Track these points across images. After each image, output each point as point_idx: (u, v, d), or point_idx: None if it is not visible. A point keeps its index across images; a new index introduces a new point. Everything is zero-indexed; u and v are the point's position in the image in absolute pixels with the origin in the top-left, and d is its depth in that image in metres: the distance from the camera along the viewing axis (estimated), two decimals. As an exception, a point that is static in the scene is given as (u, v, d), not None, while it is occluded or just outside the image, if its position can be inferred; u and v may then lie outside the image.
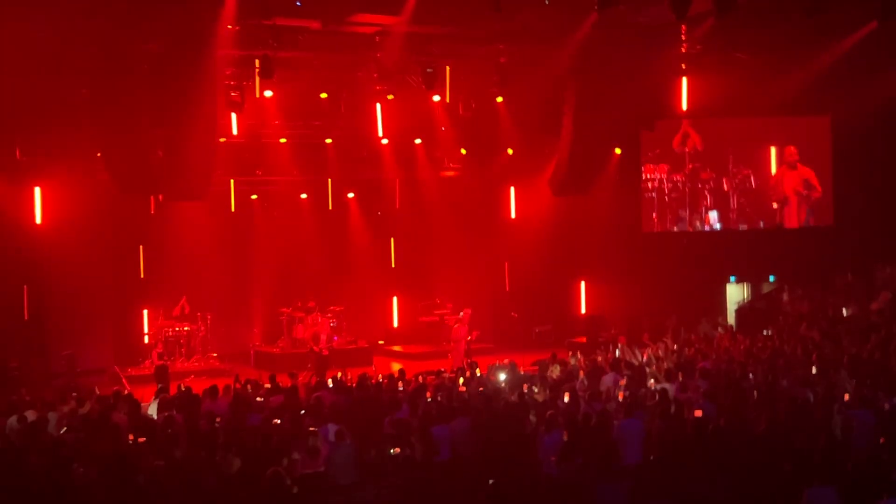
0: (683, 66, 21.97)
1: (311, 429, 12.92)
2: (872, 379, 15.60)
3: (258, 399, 16.10)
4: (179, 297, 25.00)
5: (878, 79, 23.20)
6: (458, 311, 24.42)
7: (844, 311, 23.56)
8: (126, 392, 17.21)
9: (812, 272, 25.87)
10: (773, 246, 27.06)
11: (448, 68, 21.70)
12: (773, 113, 26.34)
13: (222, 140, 22.60)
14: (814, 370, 16.88)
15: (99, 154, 20.29)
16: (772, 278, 27.94)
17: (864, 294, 24.20)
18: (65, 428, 14.09)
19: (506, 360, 19.78)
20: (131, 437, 13.27)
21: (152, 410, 15.65)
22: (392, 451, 12.55)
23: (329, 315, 26.03)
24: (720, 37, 20.16)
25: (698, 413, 13.29)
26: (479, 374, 18.45)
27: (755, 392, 14.72)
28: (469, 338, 22.93)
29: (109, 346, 24.82)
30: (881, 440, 12.04)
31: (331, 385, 17.42)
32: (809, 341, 20.41)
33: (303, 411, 14.41)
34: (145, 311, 24.99)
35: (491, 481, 9.86)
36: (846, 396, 14.28)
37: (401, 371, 18.55)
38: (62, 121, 21.14)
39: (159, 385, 18.88)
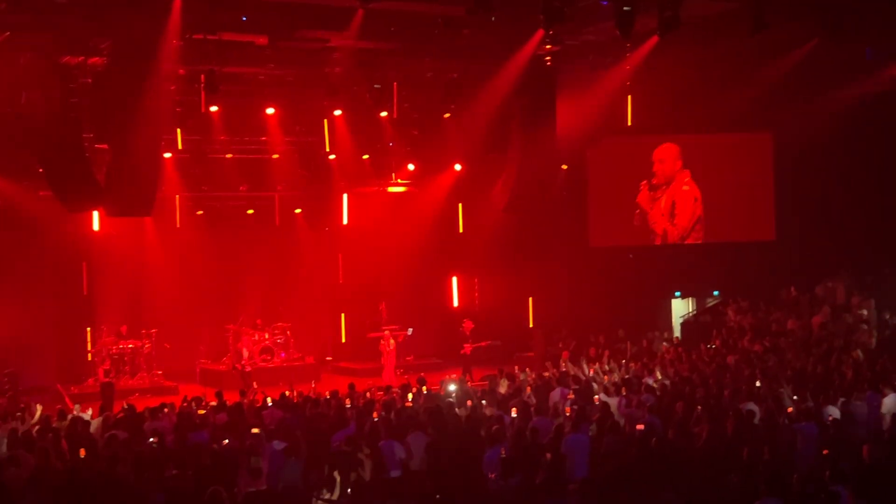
0: (628, 83, 22.17)
1: (254, 430, 12.79)
2: (815, 392, 15.83)
3: (200, 412, 15.92)
4: (125, 315, 24.69)
5: (820, 95, 23.60)
6: (406, 329, 24.41)
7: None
8: (72, 413, 16.89)
9: (756, 287, 26.19)
10: (717, 262, 27.36)
11: (396, 84, 21.71)
12: (717, 129, 26.69)
13: (167, 155, 22.41)
14: (758, 384, 17.08)
15: (41, 169, 19.99)
16: (716, 293, 28.27)
17: (806, 308, 24.53)
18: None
19: (454, 375, 19.79)
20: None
21: (94, 428, 15.39)
22: (351, 475, 12.42)
23: (276, 331, 25.84)
24: (665, 54, 20.36)
25: (640, 427, 13.39)
26: (425, 391, 18.39)
27: (699, 407, 14.83)
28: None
29: (53, 363, 24.44)
30: (824, 452, 12.21)
31: (270, 403, 17.29)
32: (753, 355, 20.67)
33: (256, 430, 14.19)
34: (88, 329, 24.60)
35: (438, 496, 9.83)
36: (790, 409, 14.48)
37: (350, 386, 18.46)
38: (2, 135, 20.81)
39: (103, 403, 18.63)
